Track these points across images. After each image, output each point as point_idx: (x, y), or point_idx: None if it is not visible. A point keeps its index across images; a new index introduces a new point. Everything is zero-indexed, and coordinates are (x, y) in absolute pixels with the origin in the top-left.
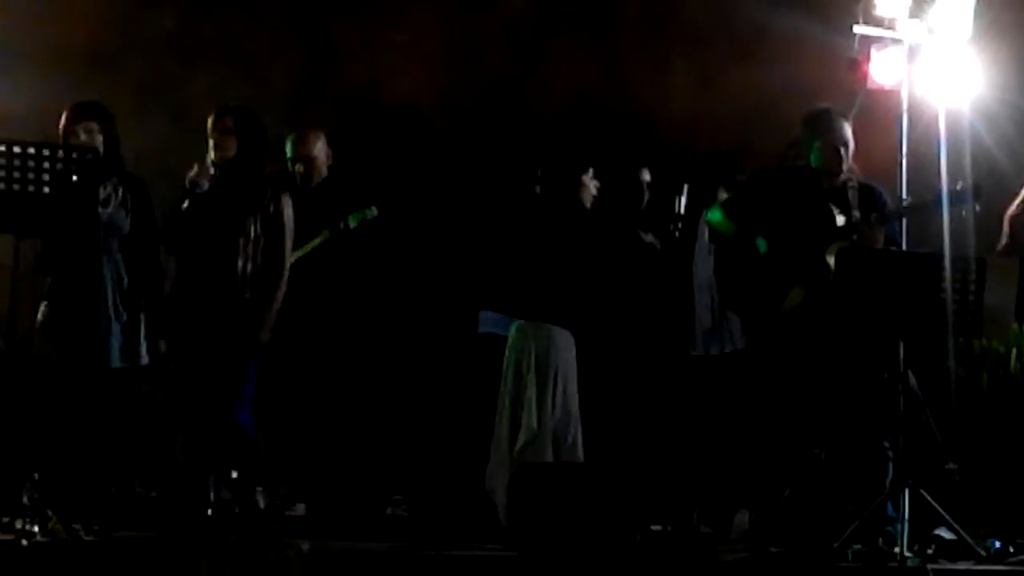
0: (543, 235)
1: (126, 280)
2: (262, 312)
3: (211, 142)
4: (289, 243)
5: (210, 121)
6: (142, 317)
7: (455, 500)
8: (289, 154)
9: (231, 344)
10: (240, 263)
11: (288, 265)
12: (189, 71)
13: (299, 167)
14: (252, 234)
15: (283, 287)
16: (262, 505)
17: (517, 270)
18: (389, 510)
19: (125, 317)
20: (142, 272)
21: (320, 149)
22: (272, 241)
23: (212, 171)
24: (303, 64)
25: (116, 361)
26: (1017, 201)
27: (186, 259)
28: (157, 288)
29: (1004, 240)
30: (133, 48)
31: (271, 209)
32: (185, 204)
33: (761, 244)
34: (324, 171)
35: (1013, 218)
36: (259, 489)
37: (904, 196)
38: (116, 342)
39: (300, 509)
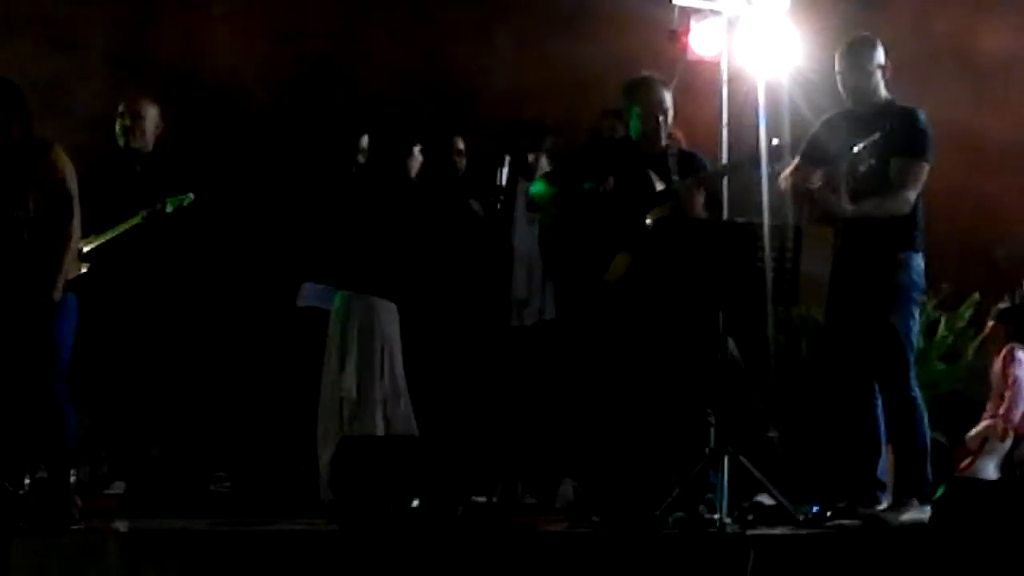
0: (369, 206)
1: None
2: (54, 264)
3: None
4: (72, 189)
5: None
6: None
7: (278, 475)
8: (119, 110)
9: (38, 318)
10: (28, 235)
11: (76, 213)
12: (3, 45)
13: (126, 121)
14: (32, 204)
15: (72, 240)
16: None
17: (342, 242)
18: (212, 487)
19: None
20: None
21: (150, 114)
22: (52, 196)
23: None
24: (121, 37)
25: None
26: (790, 169)
27: None
28: None
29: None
30: None
31: (43, 169)
32: None
33: (587, 185)
34: (150, 140)
35: (793, 186)
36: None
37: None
38: None
39: (119, 487)
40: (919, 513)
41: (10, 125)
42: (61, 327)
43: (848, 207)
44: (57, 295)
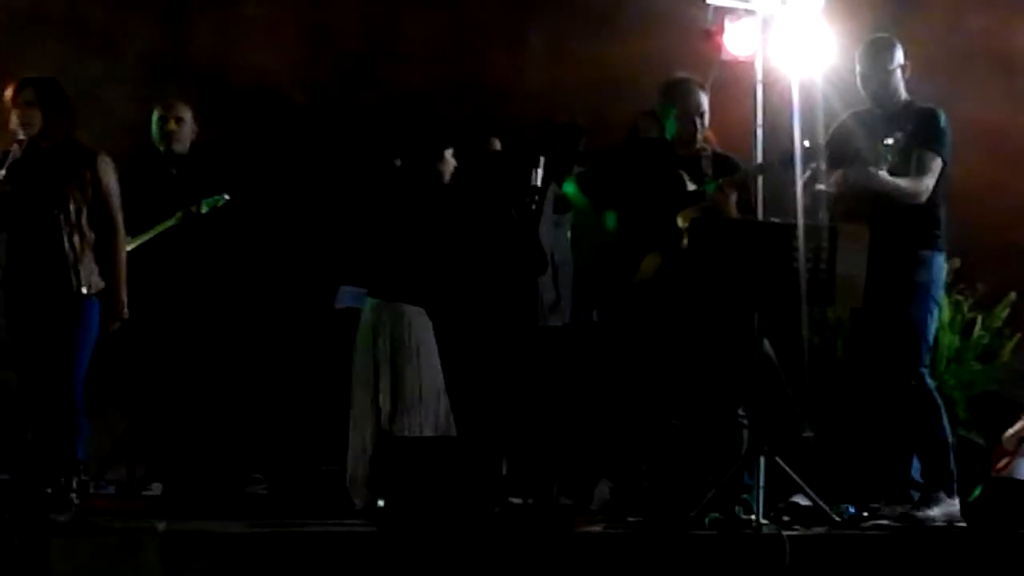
0: (401, 211)
1: None
2: (113, 286)
3: (13, 116)
4: (115, 204)
5: (9, 94)
6: None
7: (314, 477)
8: (159, 113)
9: (63, 320)
10: (66, 237)
11: (122, 227)
12: (39, 47)
13: (172, 125)
14: (72, 205)
15: (123, 252)
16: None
17: (375, 247)
18: (248, 488)
19: None
20: None
21: (189, 116)
22: (97, 207)
23: (22, 139)
24: (156, 40)
25: None
26: (833, 179)
27: (11, 238)
28: None
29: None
30: None
31: (88, 176)
32: (2, 174)
33: (609, 219)
34: (188, 143)
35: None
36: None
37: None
38: None
39: (157, 488)
40: (948, 507)
41: (54, 124)
42: (82, 332)
43: (881, 175)
44: (125, 312)
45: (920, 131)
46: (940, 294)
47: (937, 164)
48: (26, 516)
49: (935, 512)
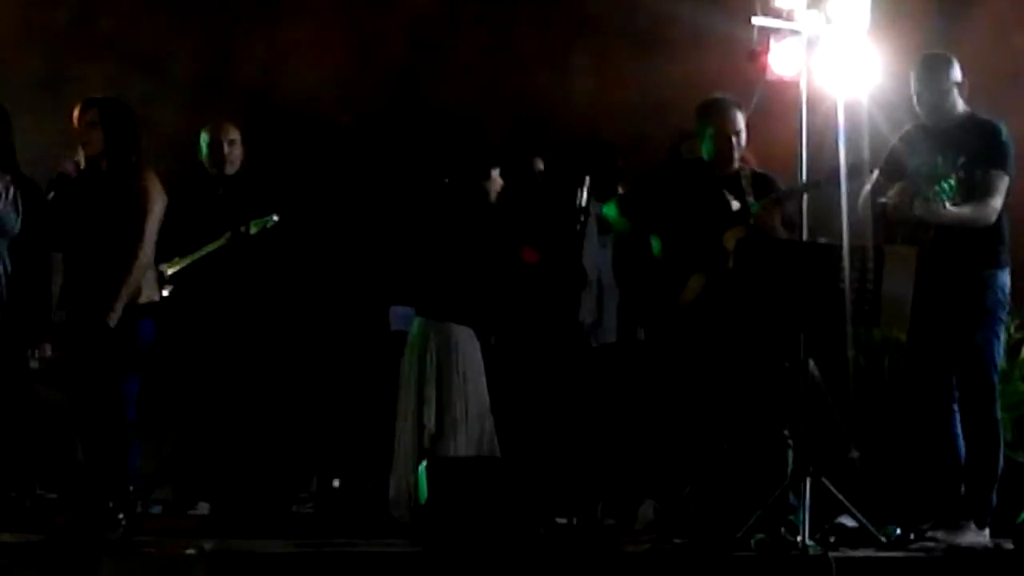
0: (449, 229)
1: (12, 282)
2: (115, 289)
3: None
4: (147, 220)
5: (75, 114)
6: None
7: (360, 496)
8: (211, 136)
9: (113, 339)
10: (117, 256)
11: (146, 238)
12: (86, 66)
13: (225, 149)
14: (115, 225)
15: (140, 263)
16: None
17: (422, 266)
18: (294, 508)
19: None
20: (30, 275)
21: (238, 137)
22: (130, 221)
23: (80, 162)
24: (203, 59)
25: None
26: (869, 185)
27: (66, 257)
28: (44, 292)
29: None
30: (29, 43)
31: (129, 192)
32: (51, 195)
33: (655, 244)
34: (238, 163)
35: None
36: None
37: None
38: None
39: (204, 508)
40: (975, 538)
41: (115, 145)
42: (132, 350)
43: (947, 210)
44: (112, 322)
45: (983, 150)
46: (1005, 313)
47: (1004, 183)
48: (75, 535)
49: (960, 540)
